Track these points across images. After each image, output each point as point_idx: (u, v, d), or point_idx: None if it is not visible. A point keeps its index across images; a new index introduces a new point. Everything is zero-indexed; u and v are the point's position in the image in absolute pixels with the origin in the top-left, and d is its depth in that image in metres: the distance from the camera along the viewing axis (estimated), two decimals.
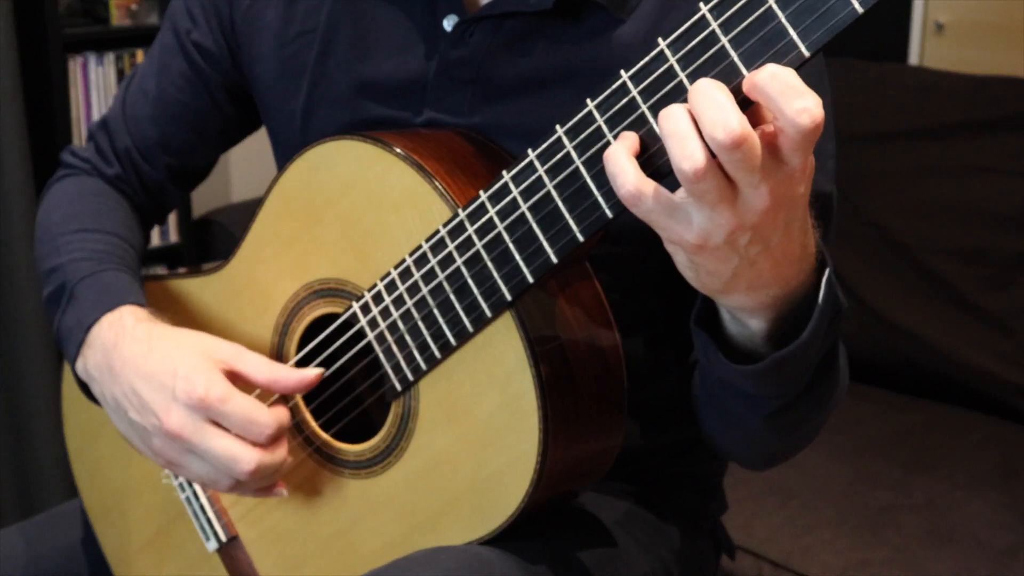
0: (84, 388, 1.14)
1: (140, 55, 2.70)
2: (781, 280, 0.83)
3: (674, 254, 0.83)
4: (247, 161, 2.91)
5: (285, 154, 1.17)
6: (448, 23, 1.05)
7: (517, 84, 1.03)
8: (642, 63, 0.81)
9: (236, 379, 1.03)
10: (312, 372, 1.04)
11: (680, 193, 0.77)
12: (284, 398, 1.07)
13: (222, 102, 1.22)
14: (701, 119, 0.74)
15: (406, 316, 0.99)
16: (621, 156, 0.79)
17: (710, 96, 0.74)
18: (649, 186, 0.78)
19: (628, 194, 0.78)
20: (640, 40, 1.00)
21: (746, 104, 0.75)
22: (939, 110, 2.34)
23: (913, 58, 2.69)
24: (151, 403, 1.02)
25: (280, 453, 1.02)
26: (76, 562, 1.29)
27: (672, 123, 0.75)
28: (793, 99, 0.72)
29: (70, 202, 1.23)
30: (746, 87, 0.75)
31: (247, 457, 1.00)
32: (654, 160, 0.80)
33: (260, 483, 1.04)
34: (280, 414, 1.02)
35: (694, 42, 0.78)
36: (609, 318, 0.99)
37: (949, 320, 2.25)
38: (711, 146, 0.73)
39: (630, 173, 0.78)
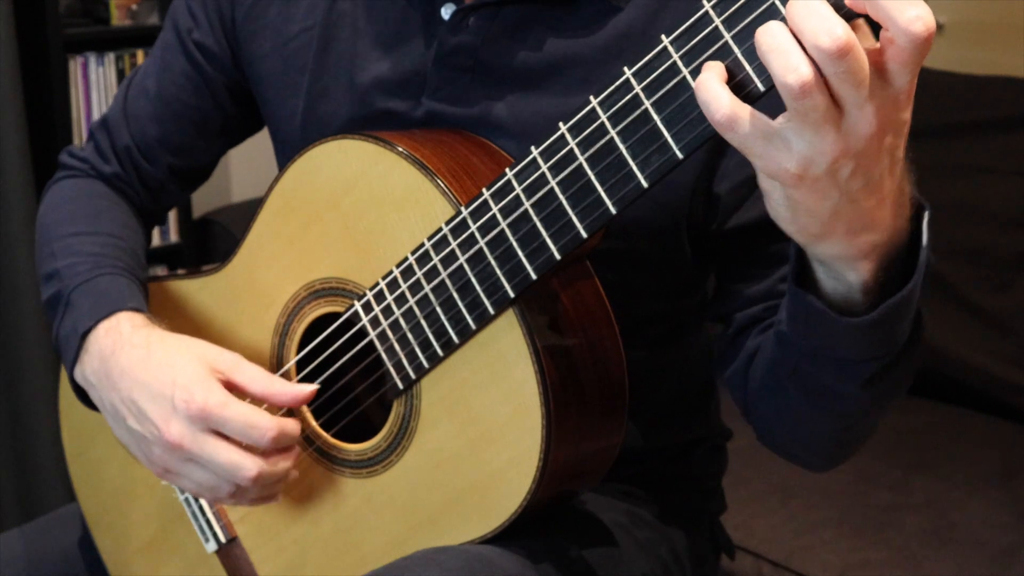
0: (82, 395, 1.14)
1: (140, 55, 2.70)
2: (879, 224, 0.80)
3: (770, 193, 0.80)
4: (247, 161, 2.91)
5: (286, 152, 1.17)
6: (446, 11, 1.06)
7: (515, 72, 1.03)
8: (645, 60, 0.80)
9: (233, 390, 1.03)
10: (307, 388, 1.04)
11: (780, 119, 0.74)
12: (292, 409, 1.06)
13: (223, 101, 1.22)
14: (803, 30, 0.70)
15: (408, 314, 0.99)
16: (713, 82, 0.75)
17: (810, 7, 0.71)
18: (745, 110, 0.75)
19: (724, 118, 0.74)
20: (639, 29, 1.00)
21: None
22: (939, 110, 2.33)
23: None
24: (150, 413, 1.03)
25: (283, 464, 1.03)
26: (75, 565, 1.29)
27: (771, 38, 0.72)
28: (905, 6, 0.69)
29: (65, 204, 1.23)
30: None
31: (249, 464, 1.00)
32: (738, 90, 0.77)
33: (261, 491, 1.04)
34: (285, 423, 1.02)
35: (697, 38, 0.78)
36: (610, 315, 0.98)
37: (949, 320, 2.24)
38: (816, 58, 0.70)
39: (724, 98, 0.75)
